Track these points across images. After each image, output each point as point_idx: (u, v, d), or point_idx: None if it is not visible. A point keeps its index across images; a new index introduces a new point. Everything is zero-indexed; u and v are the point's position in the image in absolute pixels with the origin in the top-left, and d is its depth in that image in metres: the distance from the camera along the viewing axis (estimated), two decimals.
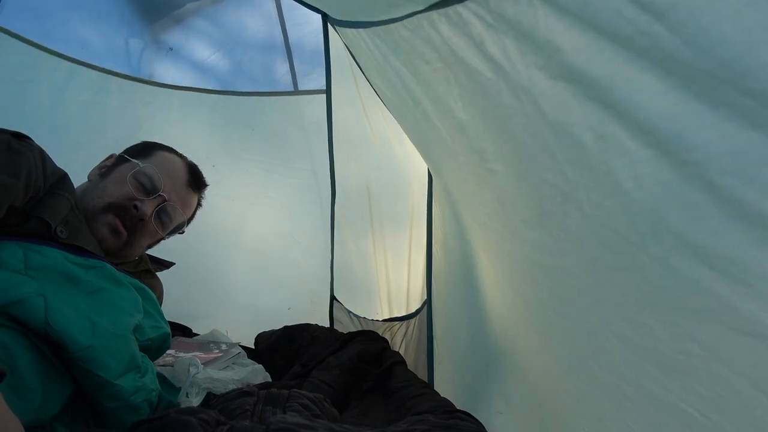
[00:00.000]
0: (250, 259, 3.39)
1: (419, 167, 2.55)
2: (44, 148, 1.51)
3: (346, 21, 2.02)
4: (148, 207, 1.66)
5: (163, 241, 1.92)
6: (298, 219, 3.31)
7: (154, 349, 1.56)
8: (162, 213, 1.73)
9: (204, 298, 3.28)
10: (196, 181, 1.88)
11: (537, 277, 1.21)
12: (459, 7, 1.10)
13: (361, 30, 1.79)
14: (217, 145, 3.16)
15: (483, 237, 1.62)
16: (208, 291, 3.31)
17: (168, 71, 3.21)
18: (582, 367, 1.12)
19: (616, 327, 0.98)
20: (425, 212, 2.59)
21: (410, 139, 2.20)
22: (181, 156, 1.89)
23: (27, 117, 2.89)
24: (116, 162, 1.77)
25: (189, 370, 1.84)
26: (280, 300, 3.36)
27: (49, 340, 1.18)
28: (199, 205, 1.96)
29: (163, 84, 3.13)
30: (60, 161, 1.58)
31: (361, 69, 2.36)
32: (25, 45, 2.88)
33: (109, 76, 3.04)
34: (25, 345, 1.14)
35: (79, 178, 1.75)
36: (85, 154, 2.99)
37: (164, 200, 1.72)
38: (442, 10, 1.16)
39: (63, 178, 1.52)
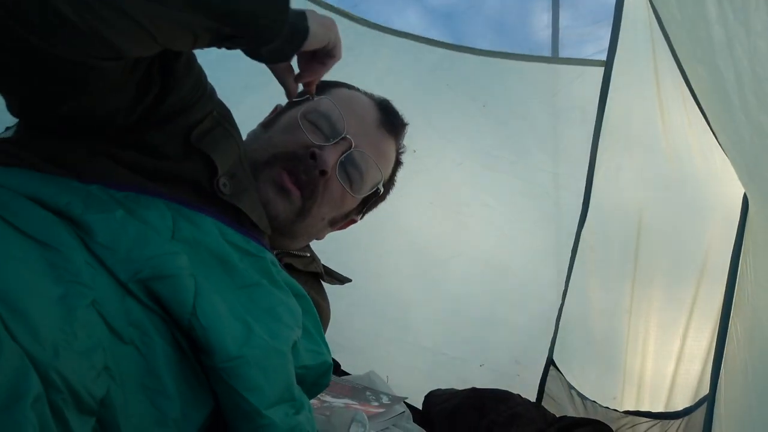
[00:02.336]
0: (439, 287, 3.47)
1: (730, 197, 2.45)
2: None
3: None
4: (329, 154, 1.62)
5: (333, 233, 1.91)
6: (521, 241, 3.32)
7: (309, 382, 1.55)
8: (348, 164, 1.69)
9: (363, 327, 3.38)
10: (390, 119, 1.81)
11: None
12: None
13: None
14: (427, 121, 3.25)
15: None
16: (370, 319, 3.43)
17: (381, 5, 3.36)
18: None
19: None
20: (725, 265, 2.46)
21: (730, 156, 2.12)
22: (365, 93, 1.89)
23: None
24: (282, 110, 1.83)
25: (351, 427, 1.86)
26: (470, 350, 3.40)
27: (191, 338, 1.21)
28: (398, 162, 1.92)
29: (373, 24, 3.28)
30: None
31: (670, 43, 2.30)
32: None
33: (309, 2, 3.20)
34: (166, 338, 1.18)
35: (241, 129, 1.75)
36: (253, 100, 3.17)
37: (351, 145, 1.67)
38: None
39: (230, 114, 1.58)
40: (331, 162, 1.61)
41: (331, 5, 3.29)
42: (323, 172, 1.61)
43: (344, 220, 1.84)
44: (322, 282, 1.97)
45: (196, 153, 1.40)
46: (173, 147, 1.38)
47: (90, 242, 1.16)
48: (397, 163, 1.90)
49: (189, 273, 1.24)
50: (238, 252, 1.42)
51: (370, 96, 1.84)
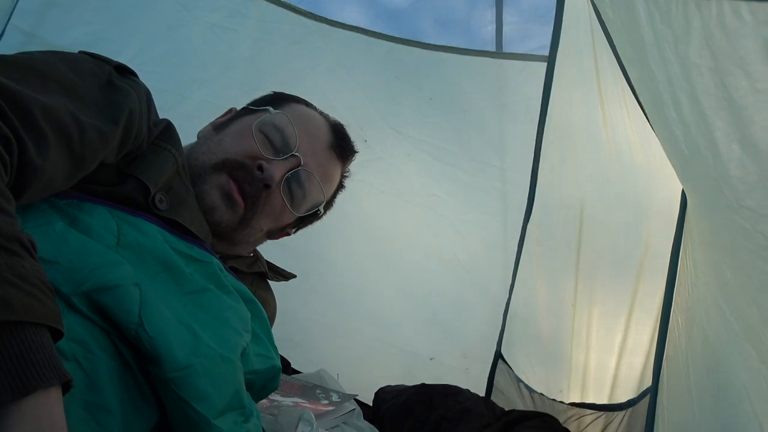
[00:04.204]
0: (389, 278, 3.49)
1: (669, 191, 2.47)
2: (152, 78, 1.58)
3: None
4: (276, 169, 1.65)
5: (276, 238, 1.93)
6: (470, 235, 3.34)
7: (258, 387, 1.57)
8: (293, 182, 1.72)
9: (314, 323, 3.40)
10: (341, 144, 1.85)
11: None
12: None
13: None
14: (377, 113, 3.27)
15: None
16: (321, 314, 3.43)
17: (326, 1, 3.36)
18: None
19: None
20: (665, 259, 2.50)
21: (667, 153, 2.16)
22: (321, 113, 1.89)
23: (135, 36, 3.12)
24: (237, 115, 1.82)
25: (298, 426, 1.88)
26: (420, 344, 3.43)
27: (138, 348, 1.21)
28: (341, 185, 1.95)
29: (321, 17, 3.28)
30: (169, 98, 1.63)
31: (610, 40, 2.33)
32: None
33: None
34: (108, 351, 1.17)
35: (189, 124, 1.80)
36: (202, 95, 3.20)
37: (299, 163, 1.70)
38: None
39: (167, 128, 1.58)
40: (276, 177, 1.64)
41: (282, 1, 3.31)
42: (267, 186, 1.63)
43: (280, 232, 1.87)
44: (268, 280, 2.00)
45: (129, 176, 1.41)
46: (109, 175, 1.39)
47: None
48: (340, 186, 1.93)
49: (133, 282, 1.24)
50: (184, 258, 1.43)
51: (326, 117, 1.87)
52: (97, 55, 1.47)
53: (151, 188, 1.41)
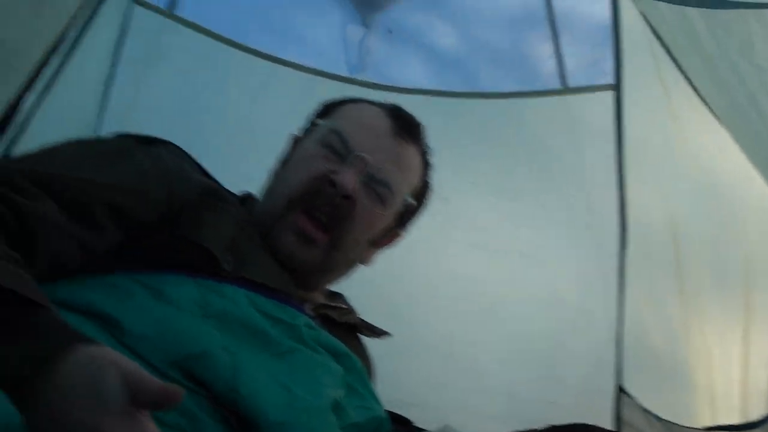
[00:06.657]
0: (495, 328, 3.42)
1: (761, 196, 2.43)
2: (232, 172, 1.59)
3: None
4: (347, 177, 1.54)
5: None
6: (565, 273, 3.31)
7: None
8: (371, 182, 1.60)
9: (424, 380, 3.35)
10: (404, 125, 1.72)
11: None
12: None
13: (688, 9, 1.77)
14: (452, 170, 3.23)
15: None
16: (431, 369, 3.39)
17: (388, 64, 3.45)
18: None
19: None
20: None
21: (751, 159, 2.12)
22: (374, 103, 1.79)
23: (206, 131, 3.17)
24: (296, 142, 1.77)
25: None
26: (538, 389, 3.35)
27: (236, 411, 1.20)
28: (427, 164, 1.82)
29: (383, 85, 3.31)
30: (250, 186, 1.64)
31: (671, 56, 2.32)
32: (210, 40, 3.21)
33: (317, 77, 3.29)
34: (215, 417, 1.17)
35: None
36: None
37: (366, 162, 1.58)
38: None
39: (218, 189, 1.55)
40: (351, 183, 1.54)
41: (345, 77, 3.37)
42: (347, 197, 1.54)
43: (385, 238, 1.76)
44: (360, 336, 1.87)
45: (192, 244, 1.37)
46: (174, 243, 1.37)
47: (119, 334, 1.16)
48: (426, 166, 1.81)
49: (222, 347, 1.24)
50: (270, 320, 1.40)
51: (380, 105, 1.76)
52: (128, 133, 1.51)
53: (216, 252, 1.37)
